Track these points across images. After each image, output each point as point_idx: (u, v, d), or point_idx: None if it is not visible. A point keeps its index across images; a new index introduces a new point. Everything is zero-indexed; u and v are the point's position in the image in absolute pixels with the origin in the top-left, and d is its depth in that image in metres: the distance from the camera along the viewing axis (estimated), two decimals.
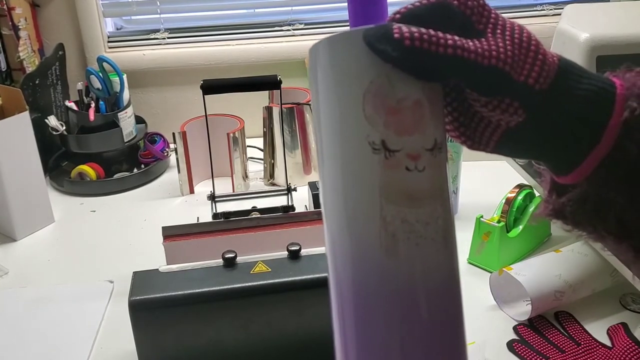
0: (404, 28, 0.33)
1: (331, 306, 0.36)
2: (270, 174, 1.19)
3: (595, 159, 0.35)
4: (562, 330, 0.77)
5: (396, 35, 0.32)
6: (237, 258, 0.71)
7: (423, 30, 0.33)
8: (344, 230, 0.35)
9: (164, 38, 1.36)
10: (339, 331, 0.36)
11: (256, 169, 1.23)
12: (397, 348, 0.34)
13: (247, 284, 0.68)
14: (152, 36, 1.36)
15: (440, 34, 0.33)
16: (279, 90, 0.99)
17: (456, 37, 0.33)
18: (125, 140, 1.21)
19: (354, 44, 0.34)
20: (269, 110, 1.15)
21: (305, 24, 1.38)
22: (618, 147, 0.35)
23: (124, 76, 1.21)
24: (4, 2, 1.20)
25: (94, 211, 1.13)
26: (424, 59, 0.33)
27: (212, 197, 0.99)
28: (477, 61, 0.33)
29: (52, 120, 1.17)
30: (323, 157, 0.36)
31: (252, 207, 0.94)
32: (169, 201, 1.16)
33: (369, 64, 0.33)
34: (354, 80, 0.34)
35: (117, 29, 1.42)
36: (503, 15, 0.37)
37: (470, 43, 0.34)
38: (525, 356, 0.73)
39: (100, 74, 1.19)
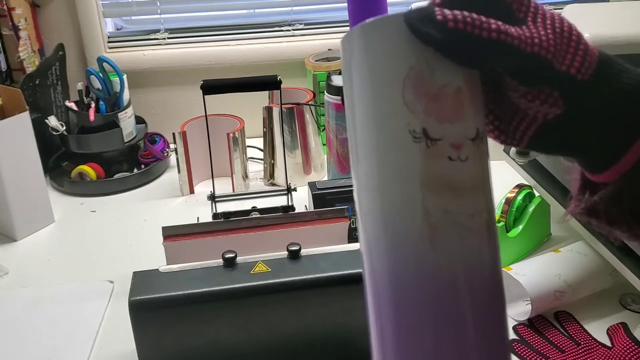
0: (447, 11, 0.32)
1: (367, 305, 0.35)
2: (270, 174, 1.19)
3: (634, 155, 0.34)
4: (562, 330, 0.77)
5: (439, 17, 0.32)
6: (237, 258, 0.71)
7: (466, 13, 0.32)
8: (381, 225, 0.33)
9: (164, 38, 1.36)
10: (376, 329, 0.34)
11: (256, 169, 1.23)
12: (436, 345, 0.32)
13: (247, 284, 0.68)
14: (152, 36, 1.36)
15: (484, 18, 0.32)
16: (279, 90, 0.99)
17: (499, 22, 0.32)
18: (126, 141, 1.21)
19: (392, 28, 0.33)
20: (269, 110, 1.15)
21: (305, 24, 1.38)
22: None
23: (124, 76, 1.21)
24: (4, 3, 1.20)
25: (94, 211, 1.13)
26: (467, 43, 0.32)
27: (212, 197, 0.99)
28: (520, 47, 0.32)
29: (52, 121, 1.17)
30: (358, 153, 0.34)
31: (252, 207, 0.94)
32: (169, 201, 1.16)
33: (408, 48, 0.32)
34: (392, 67, 0.33)
35: (117, 29, 1.42)
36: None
37: (513, 29, 0.33)
38: (525, 356, 0.73)
39: (101, 74, 1.19)
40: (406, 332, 0.33)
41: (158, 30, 1.37)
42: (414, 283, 0.32)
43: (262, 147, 1.21)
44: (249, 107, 1.25)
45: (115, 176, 1.22)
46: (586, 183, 0.38)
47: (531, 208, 0.90)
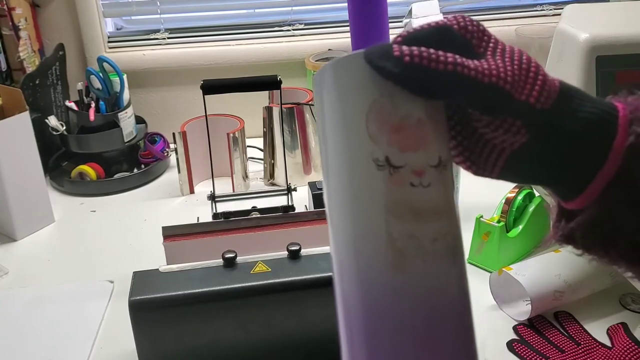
0: (405, 47, 0.34)
1: (338, 324, 0.36)
2: (270, 174, 1.19)
3: (600, 182, 0.35)
4: (562, 330, 0.77)
5: (396, 53, 0.33)
6: (237, 258, 0.71)
7: (423, 48, 0.34)
8: (351, 248, 0.35)
9: (164, 38, 1.36)
10: (347, 348, 0.36)
11: (256, 169, 1.23)
12: None
13: (247, 284, 0.68)
14: (152, 36, 1.36)
15: (440, 52, 0.34)
16: (279, 90, 0.99)
17: (456, 56, 0.34)
18: (126, 140, 1.21)
19: (356, 65, 0.35)
20: (269, 110, 1.15)
21: (305, 24, 1.38)
22: (625, 171, 0.35)
23: (124, 76, 1.21)
24: (4, 3, 1.20)
25: (94, 211, 1.13)
26: (424, 76, 0.33)
27: (212, 197, 0.99)
28: (477, 78, 0.34)
29: (52, 120, 1.17)
30: (329, 178, 0.36)
31: (252, 207, 0.94)
32: (169, 201, 1.16)
33: (371, 84, 0.34)
34: (357, 101, 0.35)
35: (117, 29, 1.42)
36: (497, 37, 0.37)
37: (470, 62, 0.34)
38: (525, 356, 0.73)
39: (101, 74, 1.19)
40: (375, 351, 0.34)
41: (158, 30, 1.36)
42: (380, 304, 0.34)
43: (262, 147, 1.21)
44: (249, 107, 1.25)
45: (115, 176, 1.22)
46: (562, 210, 0.39)
47: (531, 208, 0.90)
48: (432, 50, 0.34)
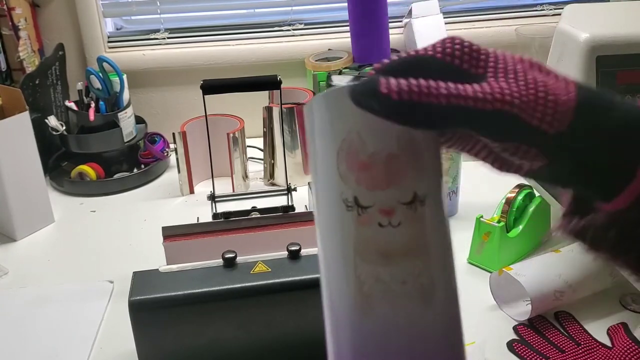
0: (392, 80, 0.30)
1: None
2: (270, 174, 1.19)
3: (630, 195, 0.32)
4: (562, 330, 0.77)
5: (383, 90, 0.30)
6: (237, 258, 0.71)
7: (412, 81, 0.30)
8: (325, 286, 0.34)
9: (164, 38, 1.36)
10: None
11: (256, 169, 1.23)
12: None
13: (247, 284, 0.68)
14: (152, 36, 1.36)
15: (432, 83, 0.30)
16: (279, 90, 0.99)
17: (451, 85, 0.30)
18: (125, 141, 1.21)
19: (338, 100, 0.33)
20: (269, 110, 1.15)
21: (305, 24, 1.38)
22: None
23: (124, 76, 1.21)
24: (4, 3, 1.20)
25: (94, 211, 1.13)
26: (417, 111, 0.30)
27: (212, 197, 0.99)
28: (478, 108, 0.30)
29: (52, 121, 1.17)
30: (316, 214, 0.35)
31: (252, 207, 0.94)
32: (169, 201, 1.16)
33: (341, 121, 0.33)
34: (332, 138, 0.33)
35: (117, 29, 1.42)
36: (497, 51, 0.33)
37: (469, 88, 0.31)
38: (525, 356, 0.73)
39: (100, 74, 1.19)
40: None
41: (158, 30, 1.36)
42: (350, 346, 0.33)
43: (262, 147, 1.21)
44: (249, 107, 1.25)
45: (115, 176, 1.22)
46: (576, 207, 0.36)
47: (531, 208, 0.90)
48: (422, 82, 0.30)
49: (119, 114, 1.19)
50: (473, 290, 0.83)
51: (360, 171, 0.33)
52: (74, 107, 1.20)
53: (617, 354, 0.72)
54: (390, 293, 0.32)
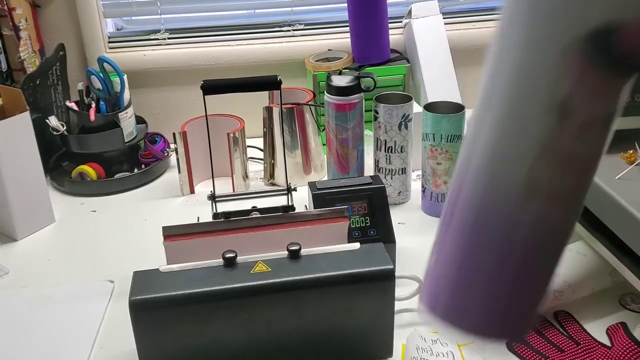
0: None
1: (448, 202, 0.37)
2: (270, 174, 1.19)
3: None
4: (561, 330, 0.77)
5: None
6: (237, 258, 0.71)
7: None
8: (484, 170, 0.35)
9: (165, 38, 1.36)
10: (441, 227, 0.37)
11: (256, 169, 1.23)
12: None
13: (247, 284, 0.68)
14: (153, 36, 1.36)
15: None
16: (279, 91, 0.99)
17: None
18: (126, 141, 1.21)
19: None
20: (269, 110, 1.16)
21: (305, 24, 1.38)
22: None
23: (125, 76, 1.21)
24: (5, 3, 1.20)
25: (95, 211, 1.13)
26: None
27: (213, 197, 0.99)
28: None
29: (52, 121, 1.17)
30: (492, 94, 0.35)
31: (252, 207, 0.94)
32: (170, 201, 1.16)
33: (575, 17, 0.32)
34: (556, 35, 0.32)
35: (118, 30, 1.42)
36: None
37: None
38: (525, 356, 0.73)
39: (101, 74, 1.19)
40: (458, 250, 0.36)
41: (158, 31, 1.37)
42: (489, 232, 0.35)
43: (262, 147, 1.21)
44: (249, 107, 1.25)
45: (116, 176, 1.22)
46: None
47: None
48: None
49: (119, 114, 1.19)
50: None
51: (578, 81, 0.32)
52: (75, 107, 1.20)
53: (616, 353, 0.72)
54: (555, 196, 0.34)
